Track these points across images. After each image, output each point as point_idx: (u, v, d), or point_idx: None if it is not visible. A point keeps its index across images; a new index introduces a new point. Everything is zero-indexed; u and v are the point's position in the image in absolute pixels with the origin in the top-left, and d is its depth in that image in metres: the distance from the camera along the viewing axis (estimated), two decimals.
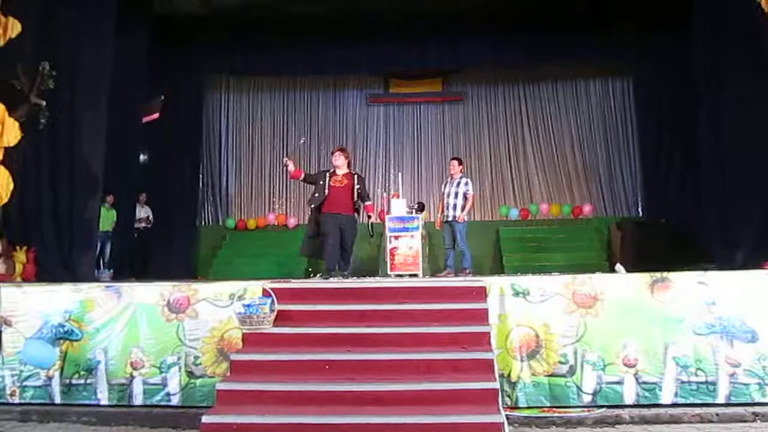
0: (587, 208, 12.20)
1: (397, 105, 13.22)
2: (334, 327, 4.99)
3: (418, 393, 4.29)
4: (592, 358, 5.20)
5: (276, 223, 12.69)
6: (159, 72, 10.57)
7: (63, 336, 5.57)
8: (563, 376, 5.21)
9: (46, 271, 6.84)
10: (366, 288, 5.82)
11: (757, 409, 4.96)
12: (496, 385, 4.38)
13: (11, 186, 6.57)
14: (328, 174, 7.21)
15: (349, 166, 7.35)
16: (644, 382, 5.14)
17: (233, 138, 13.26)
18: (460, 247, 8.04)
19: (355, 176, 7.28)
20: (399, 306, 5.20)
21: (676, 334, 5.18)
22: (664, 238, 9.75)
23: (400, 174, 11.67)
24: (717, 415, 4.94)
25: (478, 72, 12.78)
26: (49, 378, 5.53)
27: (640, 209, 12.21)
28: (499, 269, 10.90)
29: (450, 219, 8.04)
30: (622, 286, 5.37)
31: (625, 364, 5.18)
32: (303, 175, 7.43)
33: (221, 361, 5.37)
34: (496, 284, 5.41)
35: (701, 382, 5.12)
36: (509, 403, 5.13)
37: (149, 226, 10.88)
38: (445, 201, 8.12)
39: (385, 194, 11.76)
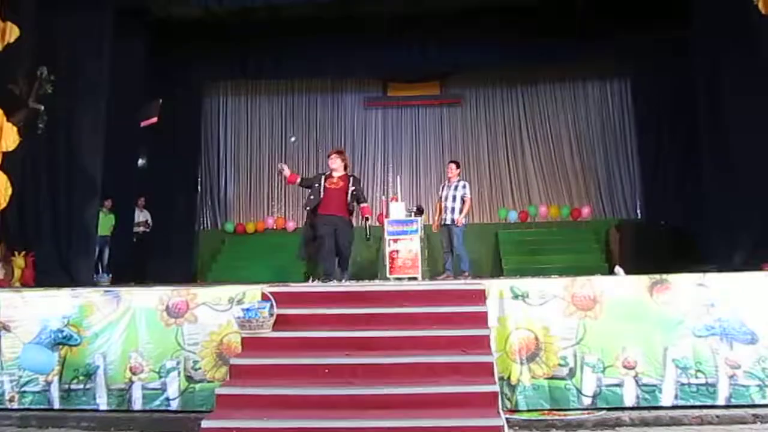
0: (586, 210, 12.20)
1: (395, 108, 13.21)
2: (334, 331, 4.97)
3: (418, 396, 4.27)
4: (592, 360, 5.18)
5: (275, 227, 12.70)
6: (157, 77, 10.58)
7: (62, 341, 5.54)
8: (563, 378, 5.19)
9: (44, 276, 6.85)
10: (365, 291, 5.79)
11: (758, 410, 4.94)
12: (496, 388, 4.36)
13: (10, 191, 6.59)
14: (323, 176, 7.17)
15: (346, 168, 7.29)
16: (644, 385, 5.12)
17: (232, 142, 13.27)
18: (457, 251, 8.03)
19: (351, 178, 7.21)
20: (398, 309, 5.18)
21: (676, 336, 5.16)
22: (663, 239, 9.78)
23: (398, 177, 11.66)
24: (717, 416, 4.92)
25: (476, 75, 12.77)
26: (48, 383, 5.50)
27: (638, 211, 12.17)
28: (498, 272, 10.91)
29: (448, 222, 8.04)
30: (622, 288, 5.35)
31: (625, 367, 5.16)
32: (299, 180, 7.39)
33: (220, 366, 5.34)
34: (495, 287, 5.38)
35: (701, 384, 5.09)
36: (509, 406, 5.10)
37: (148, 230, 10.88)
38: (443, 204, 8.14)
39: (383, 197, 11.76)
